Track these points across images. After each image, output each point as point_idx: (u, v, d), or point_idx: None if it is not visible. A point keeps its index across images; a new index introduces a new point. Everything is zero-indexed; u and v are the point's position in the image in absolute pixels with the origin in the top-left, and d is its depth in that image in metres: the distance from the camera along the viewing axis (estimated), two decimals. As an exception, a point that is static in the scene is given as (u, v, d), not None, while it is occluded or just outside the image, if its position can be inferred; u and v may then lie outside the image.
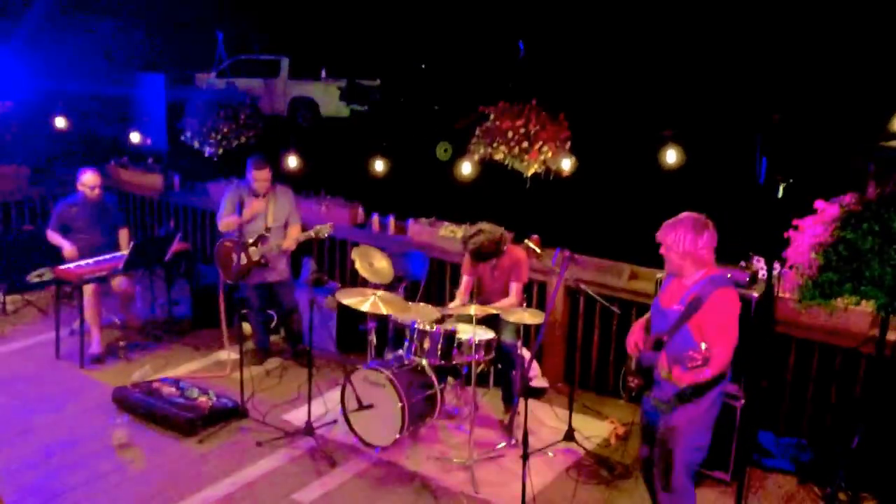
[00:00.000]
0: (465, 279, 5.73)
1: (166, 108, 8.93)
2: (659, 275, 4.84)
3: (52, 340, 6.52)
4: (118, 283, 6.73)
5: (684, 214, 3.84)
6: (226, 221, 6.21)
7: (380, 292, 5.24)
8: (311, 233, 6.16)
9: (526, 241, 5.89)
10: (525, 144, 6.08)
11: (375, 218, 7.29)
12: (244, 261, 6.17)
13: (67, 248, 6.63)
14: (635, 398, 4.06)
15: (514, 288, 5.52)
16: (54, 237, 6.74)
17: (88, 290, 6.45)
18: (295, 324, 6.54)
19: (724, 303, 3.72)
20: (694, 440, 3.84)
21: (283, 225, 6.30)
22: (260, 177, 6.14)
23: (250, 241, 6.19)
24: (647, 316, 4.06)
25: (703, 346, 3.52)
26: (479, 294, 5.70)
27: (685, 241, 3.75)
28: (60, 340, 6.51)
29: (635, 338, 3.98)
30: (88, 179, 6.70)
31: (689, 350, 3.53)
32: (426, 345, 5.19)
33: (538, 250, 5.69)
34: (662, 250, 3.84)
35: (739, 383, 4.76)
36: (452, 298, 6.12)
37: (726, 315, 3.71)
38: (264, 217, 6.22)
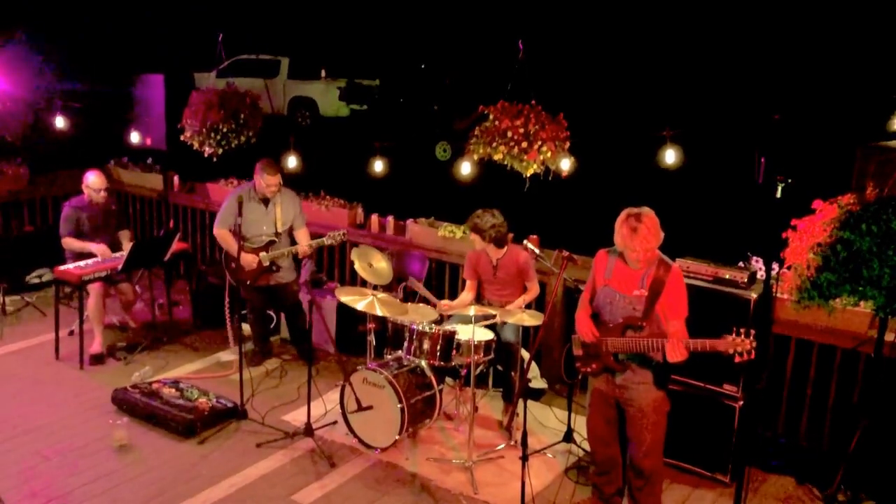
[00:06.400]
0: (469, 283, 5.82)
1: (166, 108, 8.93)
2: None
3: (51, 341, 6.52)
4: (123, 288, 6.74)
5: (631, 217, 4.03)
6: (220, 232, 6.22)
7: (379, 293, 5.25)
8: (325, 240, 6.14)
9: (525, 241, 5.89)
10: (524, 144, 6.08)
11: (374, 218, 7.29)
12: (255, 267, 6.17)
13: (94, 248, 6.53)
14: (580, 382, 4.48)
15: (531, 285, 5.67)
16: (74, 243, 6.60)
17: (94, 290, 6.45)
18: (300, 323, 6.54)
19: (680, 280, 4.15)
20: (662, 415, 4.25)
21: (289, 228, 6.31)
22: (272, 182, 6.12)
23: (259, 247, 6.18)
24: (585, 307, 4.35)
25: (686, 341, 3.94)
26: (482, 293, 5.74)
27: (654, 236, 4.03)
28: (60, 341, 6.51)
29: (590, 328, 4.26)
30: (94, 182, 6.62)
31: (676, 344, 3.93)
32: (425, 345, 5.19)
33: (537, 250, 5.69)
34: (638, 255, 4.05)
35: (738, 383, 4.76)
36: (452, 299, 6.13)
37: (682, 291, 4.14)
38: (273, 222, 6.22)
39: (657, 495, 4.41)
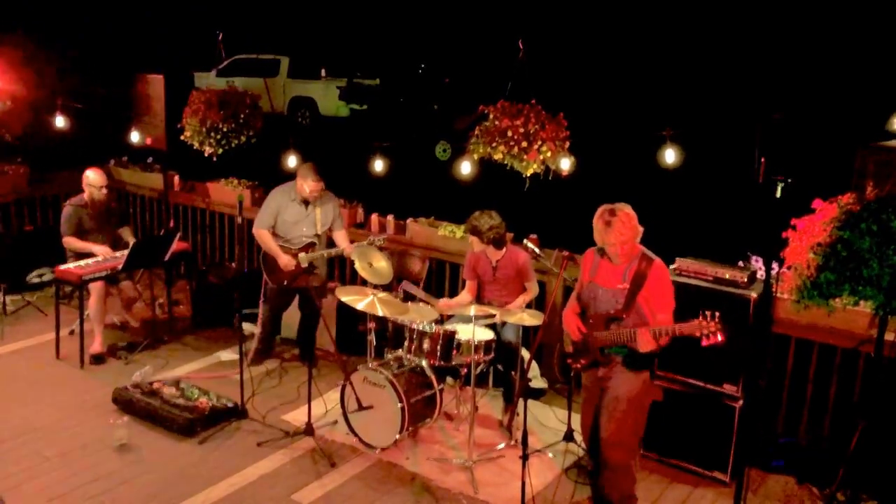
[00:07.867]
0: (468, 284, 5.82)
1: (166, 108, 8.93)
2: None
3: (52, 341, 6.52)
4: (125, 287, 6.74)
5: (605, 212, 4.13)
6: (259, 232, 6.22)
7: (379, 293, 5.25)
8: (366, 242, 6.13)
9: (525, 240, 5.90)
10: (524, 144, 6.08)
11: (374, 217, 7.29)
12: (293, 267, 6.16)
13: (97, 249, 6.54)
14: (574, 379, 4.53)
15: (530, 285, 5.67)
16: (76, 242, 6.60)
17: (95, 289, 6.45)
18: (312, 328, 6.49)
19: (663, 274, 4.19)
20: (636, 407, 4.28)
21: (327, 230, 6.33)
22: (315, 188, 6.11)
23: (298, 248, 6.20)
24: (573, 304, 4.44)
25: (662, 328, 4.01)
26: (482, 293, 5.75)
27: (630, 230, 4.10)
28: (60, 340, 6.51)
29: (576, 324, 4.35)
30: (94, 179, 6.62)
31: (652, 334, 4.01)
32: (426, 345, 5.20)
33: (537, 250, 5.70)
34: (616, 249, 4.13)
35: (738, 383, 4.77)
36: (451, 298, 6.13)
37: (666, 284, 4.19)
38: (313, 224, 6.23)
39: (623, 491, 4.35)
